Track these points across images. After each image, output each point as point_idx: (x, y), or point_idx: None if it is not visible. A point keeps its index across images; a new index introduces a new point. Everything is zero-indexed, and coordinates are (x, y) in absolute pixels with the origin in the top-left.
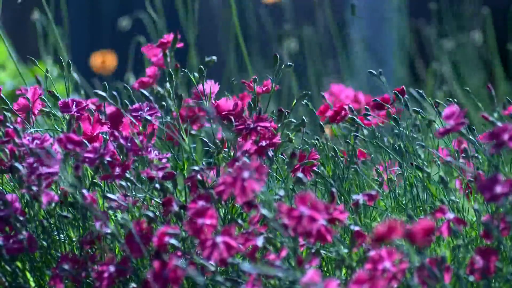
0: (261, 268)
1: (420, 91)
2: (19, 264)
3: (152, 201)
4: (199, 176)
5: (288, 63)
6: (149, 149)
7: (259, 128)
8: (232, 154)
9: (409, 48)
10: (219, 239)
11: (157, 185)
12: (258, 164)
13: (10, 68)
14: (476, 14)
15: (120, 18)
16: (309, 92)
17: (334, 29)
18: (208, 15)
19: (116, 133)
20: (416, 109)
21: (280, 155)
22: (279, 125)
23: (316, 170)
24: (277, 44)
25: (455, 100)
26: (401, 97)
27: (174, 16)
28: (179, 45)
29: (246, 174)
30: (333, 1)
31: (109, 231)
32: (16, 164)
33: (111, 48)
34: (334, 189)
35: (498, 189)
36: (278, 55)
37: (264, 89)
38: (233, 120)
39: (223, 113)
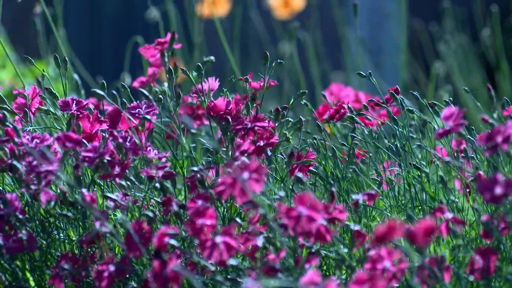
0: (261, 281)
1: (415, 92)
2: (19, 263)
3: (152, 200)
4: (198, 176)
5: (279, 60)
6: (148, 148)
7: (256, 128)
8: (230, 153)
9: (410, 47)
10: (219, 239)
11: (156, 185)
12: (257, 164)
13: (10, 68)
14: (478, 13)
15: (120, 18)
16: (306, 91)
17: (335, 29)
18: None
19: (115, 133)
20: (410, 108)
21: (279, 155)
22: (277, 124)
23: (314, 169)
24: (280, 43)
25: (456, 100)
26: (396, 96)
27: (177, 16)
28: (177, 46)
29: (245, 175)
30: (333, 1)
31: (108, 230)
32: (15, 163)
33: (111, 48)
34: (333, 189)
35: (498, 190)
36: (268, 54)
37: (261, 85)
38: (230, 120)
39: (220, 113)
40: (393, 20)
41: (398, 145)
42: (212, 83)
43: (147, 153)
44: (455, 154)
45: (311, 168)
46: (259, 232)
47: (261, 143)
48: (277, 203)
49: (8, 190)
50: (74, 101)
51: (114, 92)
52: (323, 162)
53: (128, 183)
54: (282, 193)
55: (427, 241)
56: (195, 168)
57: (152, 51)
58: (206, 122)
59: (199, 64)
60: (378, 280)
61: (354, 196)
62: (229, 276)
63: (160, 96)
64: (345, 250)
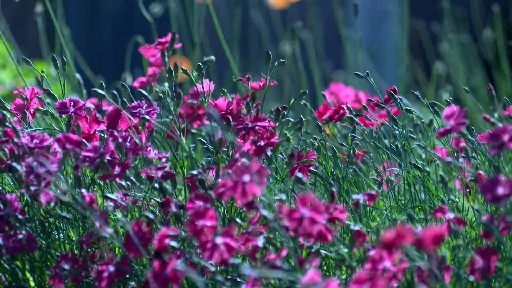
0: (261, 271)
1: (416, 92)
2: (18, 263)
3: (152, 200)
4: (198, 176)
5: (281, 60)
6: (148, 148)
7: (257, 127)
8: (231, 153)
9: (410, 47)
10: (219, 240)
11: (156, 185)
12: (258, 166)
13: (10, 68)
14: (477, 13)
15: (120, 18)
16: (307, 92)
17: (335, 28)
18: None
19: (115, 133)
20: (409, 108)
21: (279, 155)
22: (277, 124)
23: (314, 170)
24: (280, 43)
25: (457, 99)
26: (395, 96)
27: (177, 15)
28: (177, 45)
29: (246, 177)
30: (334, 0)
31: (110, 230)
32: (14, 164)
33: (111, 48)
34: (334, 189)
35: (500, 190)
36: (270, 53)
37: (261, 85)
38: (230, 119)
39: (221, 113)
40: (393, 20)
41: (399, 145)
42: (208, 85)
43: (147, 153)
44: (455, 154)
45: (311, 168)
46: (259, 233)
47: (262, 143)
48: (278, 204)
49: (8, 191)
50: (72, 102)
51: (115, 92)
52: (324, 162)
53: (128, 183)
54: (283, 196)
55: (436, 247)
56: (194, 172)
57: (152, 50)
58: (206, 122)
59: (199, 64)
60: (378, 280)
61: (354, 196)
62: (229, 277)
63: (161, 95)
64: (345, 250)
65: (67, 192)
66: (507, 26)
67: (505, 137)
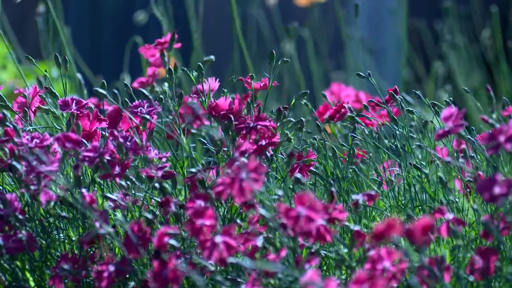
0: (260, 265)
1: (417, 92)
2: (18, 263)
3: (152, 200)
4: (198, 176)
5: (285, 59)
6: (148, 148)
7: (258, 127)
8: (231, 153)
9: (410, 47)
10: (219, 239)
11: (156, 185)
12: (256, 164)
13: (11, 68)
14: (477, 13)
15: (120, 18)
16: (308, 92)
17: (336, 28)
18: (212, 14)
19: (116, 132)
20: (410, 109)
21: (279, 155)
22: (278, 124)
23: (314, 169)
24: (281, 43)
25: (458, 99)
26: (396, 96)
27: (178, 16)
28: (177, 45)
29: (244, 174)
30: (334, 0)
31: (109, 229)
32: (14, 163)
33: (111, 48)
34: (333, 189)
35: (497, 189)
36: (274, 52)
37: (261, 85)
38: (232, 119)
39: (222, 112)
40: (393, 19)
41: (398, 145)
42: (212, 83)
43: (147, 153)
44: (455, 154)
45: (311, 168)
46: (258, 232)
47: (263, 142)
48: (277, 203)
49: (9, 190)
50: (74, 101)
51: (115, 91)
52: (324, 162)
53: (128, 183)
54: (280, 193)
55: (425, 239)
56: (193, 170)
57: (152, 51)
58: (207, 122)
59: (199, 64)
60: (378, 280)
61: (354, 196)
62: (229, 276)
63: (161, 95)
64: (345, 250)
65: (67, 190)
66: (507, 26)
67: (502, 138)
